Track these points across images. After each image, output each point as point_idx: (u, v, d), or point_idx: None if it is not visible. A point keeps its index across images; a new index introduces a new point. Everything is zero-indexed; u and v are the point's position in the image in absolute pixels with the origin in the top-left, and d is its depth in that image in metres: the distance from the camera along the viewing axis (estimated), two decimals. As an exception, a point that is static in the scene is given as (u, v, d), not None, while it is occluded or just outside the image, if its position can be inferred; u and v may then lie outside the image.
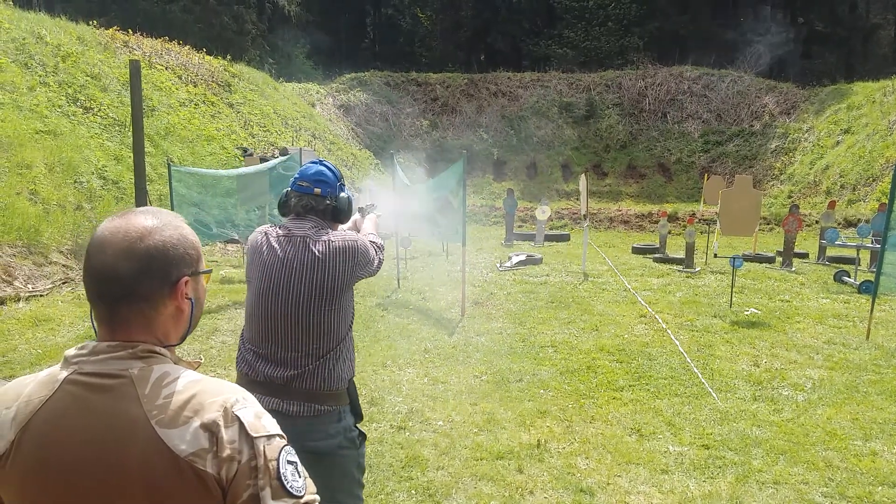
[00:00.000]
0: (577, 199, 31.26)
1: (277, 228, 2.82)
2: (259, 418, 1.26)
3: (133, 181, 13.17)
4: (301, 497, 1.25)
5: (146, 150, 13.63)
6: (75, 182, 12.06)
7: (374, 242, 2.97)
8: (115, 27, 20.47)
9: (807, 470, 4.83)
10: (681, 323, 9.08)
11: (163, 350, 1.28)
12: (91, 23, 19.59)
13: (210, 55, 24.48)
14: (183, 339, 1.36)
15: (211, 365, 7.15)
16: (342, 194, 2.88)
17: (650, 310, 9.68)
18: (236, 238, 13.40)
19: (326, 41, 44.50)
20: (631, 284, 11.60)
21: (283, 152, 20.99)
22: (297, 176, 2.85)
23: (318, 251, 2.69)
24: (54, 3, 29.83)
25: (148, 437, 1.18)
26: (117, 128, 15.01)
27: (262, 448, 1.23)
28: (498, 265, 13.52)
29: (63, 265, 10.27)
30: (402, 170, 11.87)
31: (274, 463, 1.23)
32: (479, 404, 6.06)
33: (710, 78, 36.57)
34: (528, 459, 4.93)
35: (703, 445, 5.21)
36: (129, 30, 21.01)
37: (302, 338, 2.66)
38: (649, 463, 4.93)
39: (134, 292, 1.24)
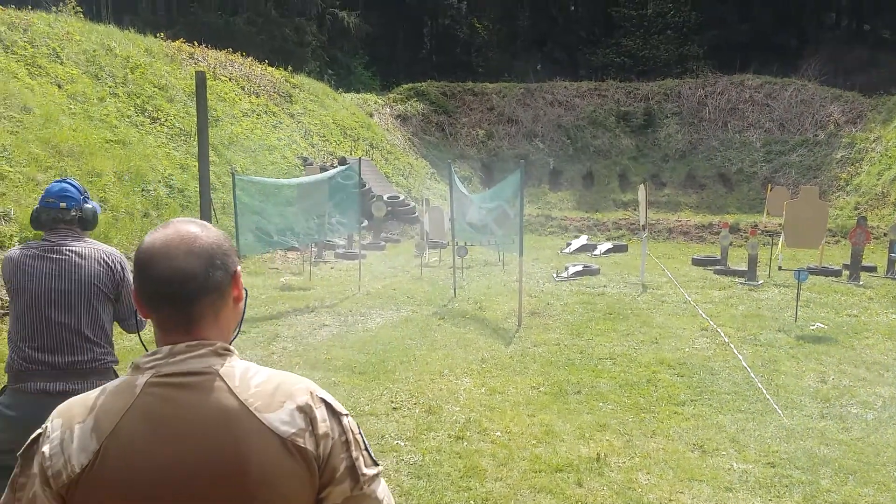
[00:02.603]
0: (635, 210, 30.83)
1: (37, 243, 3.23)
2: (335, 401, 1.39)
3: (198, 189, 13.57)
4: (379, 464, 1.41)
5: (210, 159, 13.99)
6: (143, 190, 12.44)
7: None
8: (181, 39, 21.09)
9: (878, 491, 4.67)
10: (743, 337, 8.88)
11: (232, 348, 1.37)
12: (158, 35, 20.23)
13: (272, 66, 25.01)
14: (236, 334, 1.46)
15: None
16: (87, 205, 3.31)
17: (712, 323, 9.50)
18: (296, 246, 13.66)
19: (384, 52, 45.05)
20: (691, 297, 11.40)
21: (342, 162, 21.32)
22: (44, 194, 3.28)
23: (78, 255, 3.17)
24: (123, 17, 30.88)
25: (252, 423, 1.26)
26: (183, 137, 15.45)
27: (347, 424, 1.36)
28: (554, 275, 13.44)
29: (131, 271, 10.60)
30: (460, 179, 11.91)
31: (359, 436, 1.38)
32: (537, 416, 6.03)
33: (773, 86, 35.74)
34: (588, 473, 4.89)
35: (768, 463, 5.09)
36: (195, 42, 21.61)
37: (74, 325, 3.11)
38: (713, 480, 4.83)
39: (208, 286, 1.33)
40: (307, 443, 1.28)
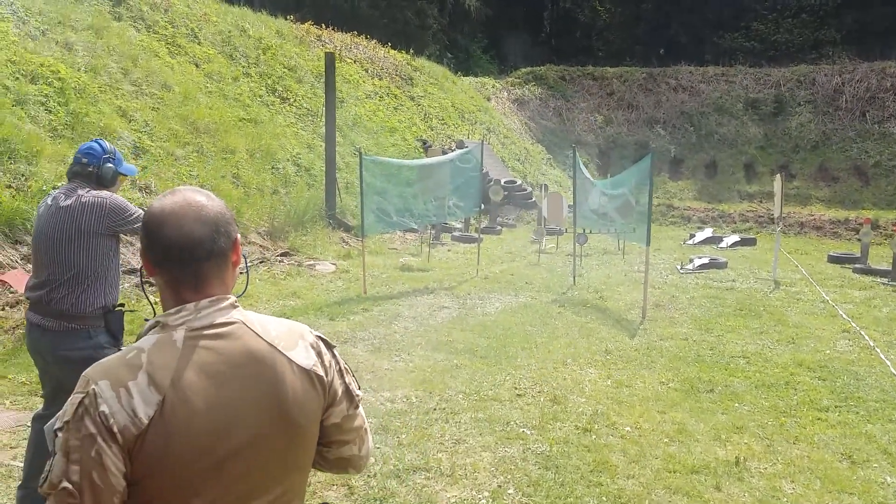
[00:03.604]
0: (761, 202, 29.38)
1: (57, 190, 3.72)
2: (325, 336, 1.63)
3: (324, 169, 13.90)
4: (359, 386, 1.66)
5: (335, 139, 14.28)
6: (272, 168, 12.84)
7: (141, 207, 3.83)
8: (309, 21, 21.60)
9: None
10: (890, 341, 8.23)
11: (237, 301, 1.52)
12: (288, 17, 20.78)
13: (394, 49, 25.27)
14: (243, 292, 1.70)
15: (395, 349, 7.32)
16: (107, 165, 3.71)
17: (854, 324, 8.87)
18: (415, 227, 13.73)
19: (503, 36, 44.69)
20: (829, 296, 10.70)
21: (461, 145, 21.32)
22: (77, 151, 3.74)
23: (65, 204, 3.57)
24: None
25: (282, 360, 1.47)
26: (310, 118, 15.83)
27: (338, 356, 1.61)
28: (678, 267, 12.95)
29: (260, 245, 10.96)
30: (583, 165, 11.62)
31: (346, 364, 1.63)
32: (668, 413, 5.78)
33: (918, 74, 33.17)
34: (726, 477, 4.63)
35: (929, 481, 4.66)
36: (322, 24, 22.08)
37: (54, 269, 3.56)
38: (865, 494, 4.47)
39: (213, 251, 1.46)
40: (320, 371, 1.52)
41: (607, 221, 11.40)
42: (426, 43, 34.93)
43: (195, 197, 1.48)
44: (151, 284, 1.66)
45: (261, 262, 10.45)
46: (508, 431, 5.29)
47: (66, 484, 1.30)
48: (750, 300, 10.32)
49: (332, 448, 1.62)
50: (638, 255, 14.36)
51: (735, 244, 16.21)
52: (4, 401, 5.60)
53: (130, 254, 8.93)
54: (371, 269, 11.02)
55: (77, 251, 3.61)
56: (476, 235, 15.52)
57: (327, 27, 22.40)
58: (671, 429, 5.44)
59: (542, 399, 6.00)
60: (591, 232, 12.86)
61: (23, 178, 8.68)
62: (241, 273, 1.61)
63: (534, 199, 20.32)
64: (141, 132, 11.01)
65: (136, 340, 1.46)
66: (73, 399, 1.36)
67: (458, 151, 13.08)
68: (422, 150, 19.25)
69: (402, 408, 5.72)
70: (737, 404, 6.04)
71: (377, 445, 4.99)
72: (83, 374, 1.40)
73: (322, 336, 1.60)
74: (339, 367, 1.59)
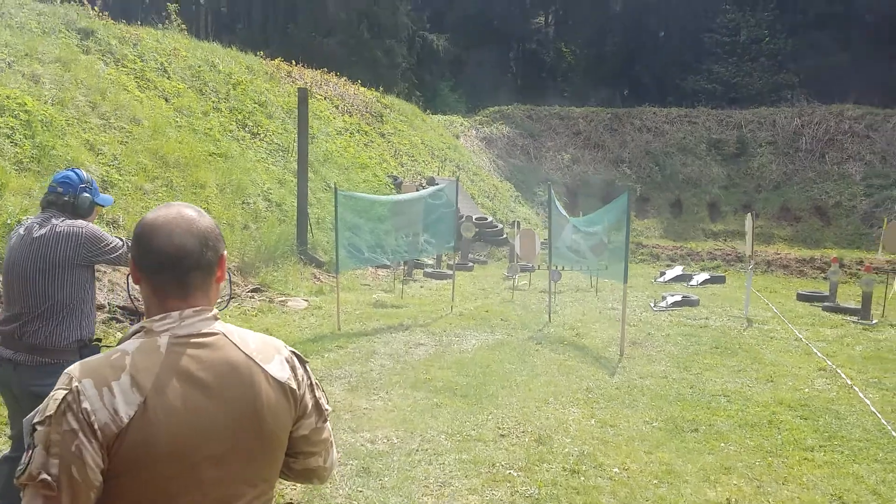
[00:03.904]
0: (725, 240, 29.85)
1: (29, 219, 3.60)
2: (298, 352, 1.69)
3: (295, 204, 13.73)
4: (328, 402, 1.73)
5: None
6: (243, 203, 12.65)
7: (116, 237, 3.66)
8: (279, 58, 21.59)
9: None
10: (867, 380, 8.26)
11: (218, 314, 1.58)
12: (258, 54, 20.75)
13: (364, 87, 25.34)
14: (225, 306, 1.77)
15: (373, 388, 7.14)
16: (83, 194, 3.58)
17: (830, 363, 8.90)
18: (387, 263, 13.57)
19: (470, 75, 45.20)
20: (802, 334, 10.76)
21: (431, 182, 21.33)
22: (52, 180, 3.63)
23: (38, 234, 3.44)
24: (222, 36, 31.94)
25: (260, 372, 1.53)
26: (281, 153, 15.70)
27: (310, 371, 1.67)
28: (652, 305, 12.96)
29: (230, 281, 10.72)
30: (549, 202, 11.60)
31: (316, 381, 1.69)
32: (655, 453, 5.68)
33: (875, 118, 34.20)
34: (720, 519, 4.52)
35: (923, 522, 4.61)
36: (293, 61, 22.08)
37: (27, 301, 3.41)
38: (859, 536, 4.39)
39: (200, 263, 1.53)
40: (294, 385, 1.58)
41: (580, 258, 11.39)
42: (395, 81, 35.17)
43: (187, 211, 1.56)
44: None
45: (231, 299, 10.21)
46: (495, 473, 5.14)
47: (45, 476, 1.34)
48: (725, 338, 10.33)
49: (299, 459, 1.67)
50: (611, 292, 14.37)
51: (705, 282, 16.34)
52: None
53: (97, 289, 8.65)
54: (344, 306, 10.84)
55: (51, 283, 3.47)
56: (448, 272, 15.44)
57: (297, 64, 22.39)
58: (659, 469, 5.33)
59: (526, 439, 5.86)
60: (564, 269, 12.84)
61: (-15, 212, 8.39)
62: (223, 292, 1.68)
63: (505, 236, 20.34)
64: (109, 166, 10.77)
65: (119, 344, 1.51)
66: (56, 395, 1.40)
67: (432, 189, 13.03)
68: (392, 186, 19.20)
69: (384, 449, 5.54)
70: (722, 444, 5.97)
71: (359, 489, 4.81)
72: (65, 371, 1.45)
73: (296, 352, 1.67)
74: (311, 382, 1.65)
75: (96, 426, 1.36)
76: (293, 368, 1.61)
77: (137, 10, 34.99)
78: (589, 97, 45.24)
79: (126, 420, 1.37)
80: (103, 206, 3.85)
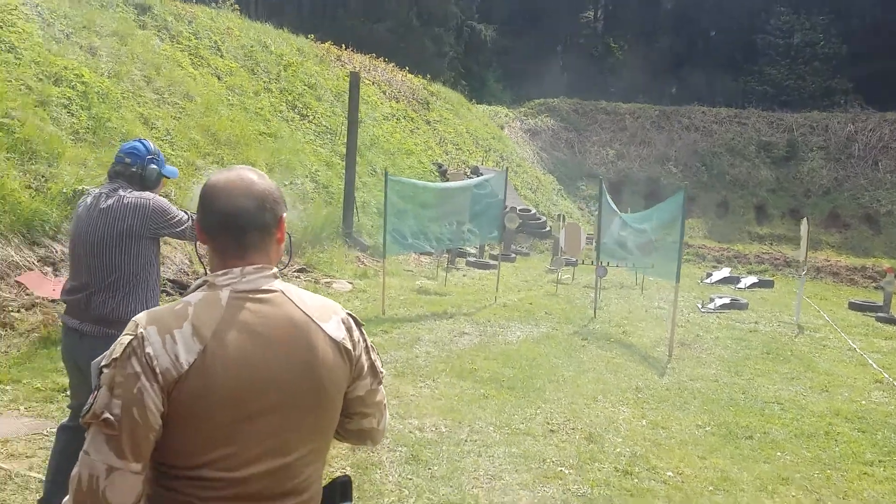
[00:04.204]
0: (771, 244, 29.27)
1: (96, 189, 3.55)
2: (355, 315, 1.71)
3: (341, 187, 13.71)
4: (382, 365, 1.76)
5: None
6: (290, 183, 12.64)
7: (182, 210, 3.60)
8: (329, 42, 21.56)
9: None
10: (926, 394, 7.97)
11: (279, 273, 1.61)
12: (309, 36, 20.74)
13: (411, 74, 25.24)
14: (284, 267, 1.76)
15: (420, 375, 7.06)
16: (151, 166, 3.53)
17: (887, 375, 8.61)
18: (430, 250, 13.49)
19: (516, 66, 44.83)
20: (856, 343, 10.45)
21: (475, 171, 21.19)
22: (118, 150, 3.58)
23: (105, 205, 3.37)
24: (271, 18, 32.00)
25: (317, 330, 1.56)
26: (329, 136, 15.69)
27: (364, 333, 1.70)
28: (699, 306, 12.70)
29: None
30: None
31: (371, 343, 1.72)
32: (709, 458, 5.51)
33: (931, 126, 33.24)
34: (782, 531, 4.36)
35: None
36: (343, 45, 22.06)
37: (94, 272, 3.38)
38: (929, 558, 4.20)
39: (256, 222, 1.56)
40: (349, 345, 1.61)
41: (627, 254, 11.19)
42: (442, 69, 34.97)
43: (248, 173, 1.61)
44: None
45: (290, 259, 10.22)
46: (545, 470, 5.03)
47: (107, 415, 1.40)
48: (776, 344, 10.06)
49: (354, 419, 1.71)
50: (656, 291, 14.13)
51: (753, 285, 15.99)
52: (19, 406, 5.34)
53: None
54: (388, 290, 10.78)
55: (118, 254, 3.41)
56: (491, 262, 15.35)
57: (347, 48, 22.35)
58: (714, 476, 5.17)
59: (576, 437, 5.73)
60: (609, 264, 12.65)
61: (43, 180, 8.48)
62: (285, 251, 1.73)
63: (548, 229, 20.14)
64: (162, 140, 10.83)
65: (184, 296, 1.56)
66: (122, 340, 1.47)
67: (479, 178, 12.90)
68: (437, 173, 19.10)
69: (432, 437, 5.46)
70: (778, 453, 5.78)
71: (409, 476, 4.74)
72: (133, 318, 1.52)
73: (352, 314, 1.70)
74: (366, 345, 1.68)
75: (158, 371, 1.42)
76: (349, 330, 1.63)
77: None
78: (636, 94, 44.48)
79: (186, 367, 1.43)
80: (169, 178, 3.80)
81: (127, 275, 3.43)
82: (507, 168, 13.38)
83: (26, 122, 8.89)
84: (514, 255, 17.52)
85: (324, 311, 1.61)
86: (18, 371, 5.94)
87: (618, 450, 5.53)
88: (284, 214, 1.65)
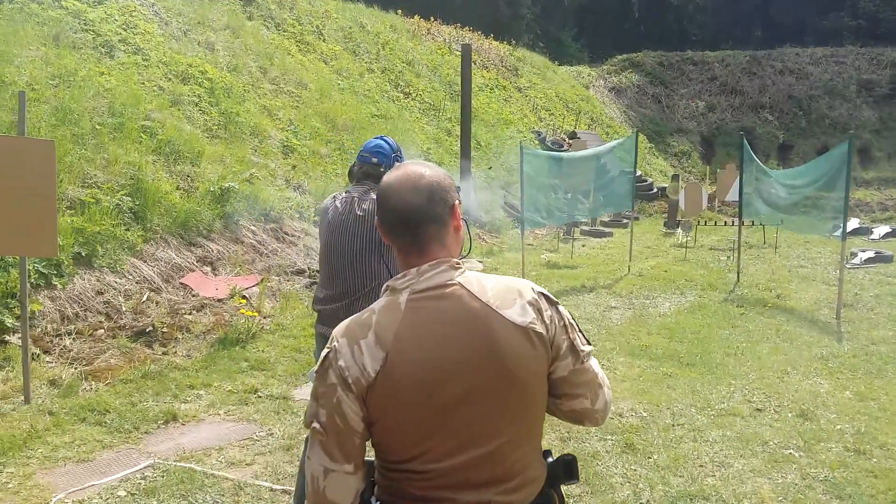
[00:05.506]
0: (879, 188, 27.89)
1: (343, 193, 3.48)
2: (548, 292, 1.66)
3: (454, 163, 13.54)
4: (590, 343, 1.69)
5: (456, 133, 13.94)
6: (407, 164, 12.56)
7: None
8: (417, 15, 21.32)
9: None
10: None
11: (460, 262, 1.62)
12: (397, 12, 20.55)
13: (496, 41, 24.80)
14: (462, 256, 1.74)
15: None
16: (397, 163, 3.21)
17: None
18: (542, 222, 13.20)
19: (591, 23, 43.63)
20: None
21: (572, 137, 20.73)
22: (360, 149, 3.51)
23: (361, 210, 3.32)
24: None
25: (498, 318, 1.54)
26: (433, 112, 15.53)
27: (562, 311, 1.64)
28: (845, 262, 12.06)
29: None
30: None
31: (573, 321, 1.67)
32: (939, 431, 5.15)
33: None
34: None
35: None
36: (431, 17, 21.78)
37: (350, 278, 3.33)
38: None
39: (430, 215, 1.58)
40: (540, 328, 1.57)
41: (776, 212, 10.68)
42: (520, 33, 34.33)
43: (415, 168, 1.62)
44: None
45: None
46: (772, 453, 4.77)
47: (315, 424, 1.53)
48: (944, 298, 9.47)
49: (563, 400, 1.68)
50: (790, 249, 13.53)
51: (887, 235, 15.14)
52: (218, 411, 5.39)
53: (296, 253, 8.76)
54: (516, 267, 10.61)
55: (378, 260, 3.36)
56: (606, 229, 15.02)
57: (434, 20, 22.08)
58: (955, 451, 4.82)
59: (787, 415, 5.44)
60: (753, 223, 12.11)
61: (189, 180, 8.60)
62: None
63: (655, 191, 19.55)
64: (287, 131, 10.87)
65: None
66: (323, 353, 1.57)
67: (608, 145, 12.54)
68: (537, 142, 18.73)
69: (637, 423, 5.27)
70: None
71: (633, 467, 4.57)
72: (333, 331, 1.60)
73: (545, 293, 1.64)
74: (564, 323, 1.63)
75: (350, 381, 1.50)
76: (539, 311, 1.59)
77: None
78: (719, 40, 42.73)
79: (373, 374, 1.49)
80: None
81: (385, 281, 3.34)
82: (636, 132, 12.94)
83: (166, 123, 9.01)
84: (625, 221, 17.07)
85: (507, 296, 1.58)
86: (206, 375, 6.02)
87: (838, 427, 5.22)
88: (457, 202, 1.65)
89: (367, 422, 1.53)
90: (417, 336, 1.52)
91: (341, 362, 1.52)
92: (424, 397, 1.51)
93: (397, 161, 3.47)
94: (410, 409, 1.52)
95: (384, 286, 1.63)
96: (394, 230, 1.62)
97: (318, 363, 1.57)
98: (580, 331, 1.68)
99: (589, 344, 1.69)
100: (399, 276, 1.60)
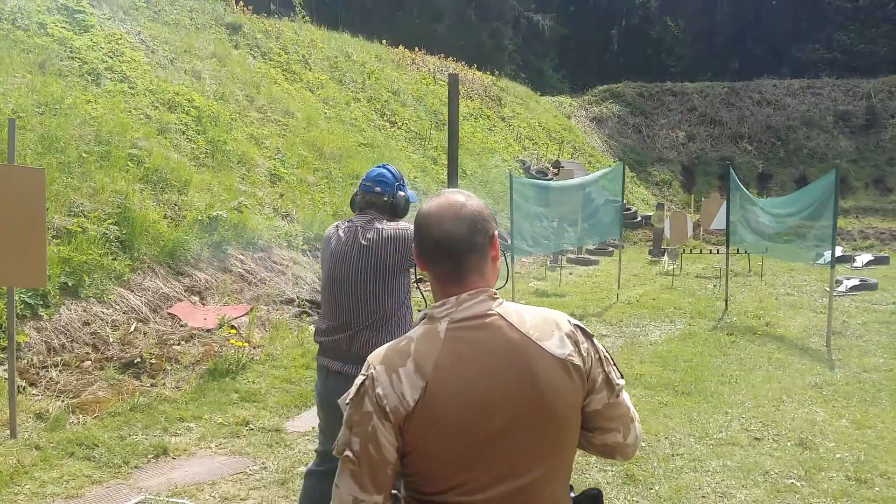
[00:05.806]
0: (857, 217, 28.25)
1: (346, 222, 3.38)
2: (584, 325, 1.65)
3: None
4: (622, 377, 1.67)
5: (442, 162, 13.95)
6: (396, 193, 12.54)
7: None
8: (401, 45, 21.48)
9: None
10: None
11: (496, 293, 1.61)
12: (382, 41, 20.68)
13: (479, 71, 25.01)
14: (504, 284, 1.78)
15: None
16: (399, 193, 3.38)
17: None
18: (529, 250, 13.21)
19: (572, 54, 44.21)
20: None
21: (556, 166, 20.85)
22: (363, 178, 3.41)
23: (366, 240, 3.23)
24: (324, 22, 31.96)
25: (536, 350, 1.52)
26: (418, 141, 15.56)
27: (597, 344, 1.64)
28: (827, 289, 12.16)
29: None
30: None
31: (606, 354, 1.65)
32: (937, 460, 5.13)
33: None
34: None
35: None
36: (415, 48, 21.95)
37: (354, 309, 3.24)
38: None
39: (471, 246, 1.57)
40: (577, 360, 1.55)
41: (761, 240, 10.78)
42: (502, 64, 34.67)
43: (456, 197, 1.61)
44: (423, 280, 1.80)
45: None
46: (774, 483, 4.73)
47: (348, 452, 1.50)
48: (930, 325, 9.54)
49: (596, 434, 1.66)
50: (775, 276, 13.63)
51: (870, 263, 15.31)
52: (209, 444, 5.26)
53: (284, 282, 8.67)
54: (505, 296, 10.56)
55: (383, 290, 3.26)
56: (591, 257, 15.06)
57: (419, 50, 22.24)
58: (955, 479, 4.80)
59: (787, 444, 5.41)
60: (738, 252, 12.18)
61: (176, 208, 8.51)
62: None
63: (639, 219, 19.67)
64: (274, 159, 10.83)
65: (409, 331, 1.60)
66: (358, 380, 1.54)
67: (594, 175, 12.62)
68: (521, 171, 18.81)
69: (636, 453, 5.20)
70: None
71: (635, 499, 4.50)
72: (367, 358, 1.58)
73: (581, 326, 1.64)
74: (599, 357, 1.62)
75: (387, 409, 1.48)
76: (576, 343, 1.58)
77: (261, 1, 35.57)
78: (697, 72, 43.40)
79: (412, 404, 1.47)
80: (412, 203, 3.62)
81: (389, 311, 3.27)
82: (623, 164, 13.04)
83: (153, 152, 8.94)
84: (610, 249, 17.15)
85: (544, 328, 1.57)
86: (197, 407, 5.89)
87: (837, 455, 5.19)
88: (496, 232, 1.65)
89: (401, 452, 1.51)
90: (457, 366, 1.51)
91: (379, 390, 1.50)
92: (465, 428, 1.49)
93: (401, 190, 3.41)
94: (450, 439, 1.50)
95: (421, 314, 1.62)
96: (433, 258, 1.61)
97: (353, 391, 1.54)
98: (614, 364, 1.67)
99: (621, 377, 1.68)
100: (437, 304, 1.59)
